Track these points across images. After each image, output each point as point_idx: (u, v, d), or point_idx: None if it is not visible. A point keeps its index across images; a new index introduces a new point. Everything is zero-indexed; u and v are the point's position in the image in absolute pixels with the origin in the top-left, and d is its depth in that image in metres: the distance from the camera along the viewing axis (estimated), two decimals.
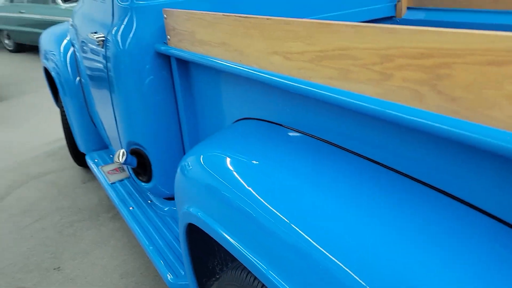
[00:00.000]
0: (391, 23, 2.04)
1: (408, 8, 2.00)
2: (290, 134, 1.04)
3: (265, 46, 0.99)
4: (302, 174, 0.86)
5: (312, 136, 0.99)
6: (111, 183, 2.08)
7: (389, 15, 2.00)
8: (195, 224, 1.07)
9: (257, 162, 0.96)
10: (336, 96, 0.78)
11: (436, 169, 0.71)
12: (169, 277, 1.48)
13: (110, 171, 2.20)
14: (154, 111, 1.54)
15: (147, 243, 1.63)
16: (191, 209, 1.07)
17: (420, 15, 1.97)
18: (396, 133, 0.77)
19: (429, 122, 0.61)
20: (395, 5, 1.99)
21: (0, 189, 2.85)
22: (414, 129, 0.72)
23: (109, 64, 1.58)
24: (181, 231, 1.19)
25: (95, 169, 2.27)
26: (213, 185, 0.99)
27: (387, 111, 0.68)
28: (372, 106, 0.70)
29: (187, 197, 1.10)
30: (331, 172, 0.84)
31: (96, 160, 2.37)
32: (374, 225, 0.69)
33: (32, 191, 2.79)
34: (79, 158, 2.93)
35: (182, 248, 1.25)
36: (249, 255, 0.85)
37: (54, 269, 2.03)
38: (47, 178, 2.95)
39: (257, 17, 0.98)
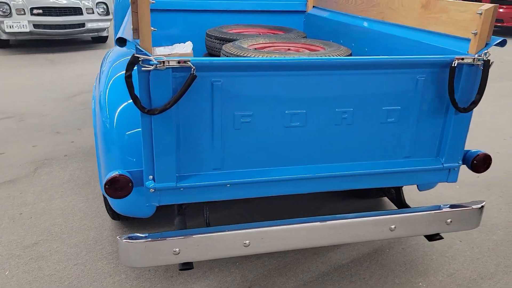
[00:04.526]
0: (303, 15, 3.00)
1: (314, 6, 2.93)
2: None
3: None
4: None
5: None
6: None
7: (301, 9, 2.97)
8: None
9: None
10: None
11: None
12: None
13: None
14: None
15: None
16: None
17: (322, 13, 2.90)
18: None
19: None
20: (306, 3, 2.96)
21: (74, 91, 4.46)
22: None
23: None
24: None
25: None
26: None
27: None
28: None
29: None
30: None
31: None
32: None
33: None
34: None
35: None
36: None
37: (78, 129, 3.46)
38: None
39: None
